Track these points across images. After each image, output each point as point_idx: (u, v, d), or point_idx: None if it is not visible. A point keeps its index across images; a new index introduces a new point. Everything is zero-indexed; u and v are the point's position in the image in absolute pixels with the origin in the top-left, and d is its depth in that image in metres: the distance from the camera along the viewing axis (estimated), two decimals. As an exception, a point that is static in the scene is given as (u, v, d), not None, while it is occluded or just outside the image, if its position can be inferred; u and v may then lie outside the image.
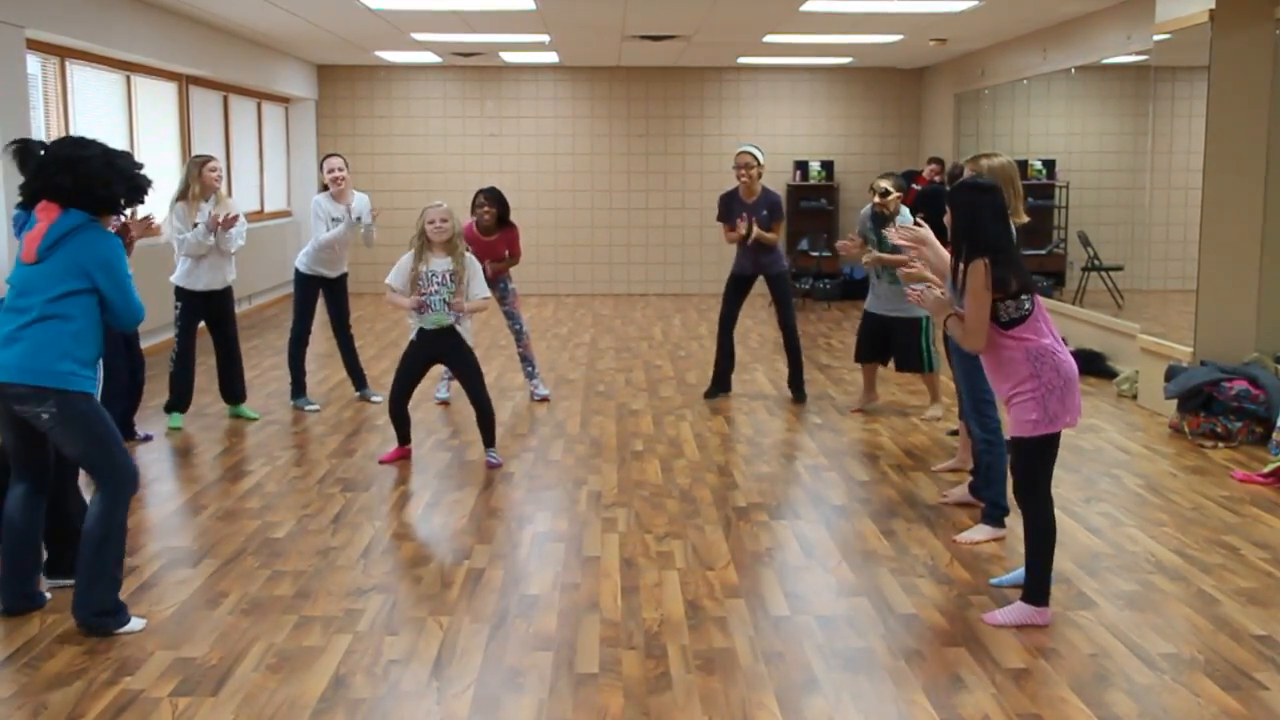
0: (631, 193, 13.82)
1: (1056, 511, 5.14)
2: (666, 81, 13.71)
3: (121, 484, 3.78)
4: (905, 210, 6.86)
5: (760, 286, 7.69)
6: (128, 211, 4.11)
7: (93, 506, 3.78)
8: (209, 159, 6.63)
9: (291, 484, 5.64)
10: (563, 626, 3.89)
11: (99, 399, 5.24)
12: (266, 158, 12.72)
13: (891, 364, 7.15)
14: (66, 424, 3.70)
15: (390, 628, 3.87)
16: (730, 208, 7.52)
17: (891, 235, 4.68)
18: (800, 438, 6.69)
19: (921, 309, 6.55)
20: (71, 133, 8.11)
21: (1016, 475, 3.94)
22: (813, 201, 13.57)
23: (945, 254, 4.37)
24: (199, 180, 6.54)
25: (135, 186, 3.82)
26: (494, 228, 7.30)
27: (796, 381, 7.62)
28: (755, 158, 7.38)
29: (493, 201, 7.27)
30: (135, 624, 3.82)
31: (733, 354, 7.78)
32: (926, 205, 5.83)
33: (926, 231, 4.55)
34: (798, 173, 13.62)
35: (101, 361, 5.60)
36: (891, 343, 7.01)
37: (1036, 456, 3.89)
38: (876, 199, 6.77)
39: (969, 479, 5.30)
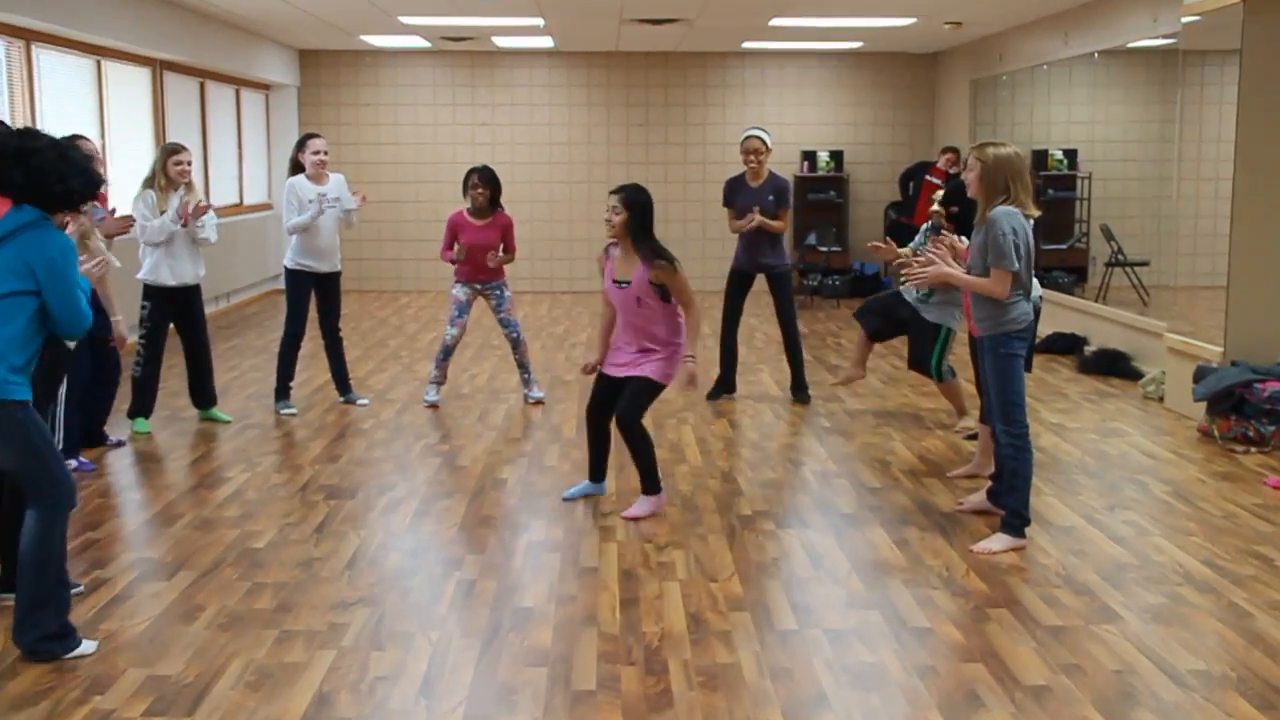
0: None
1: (1079, 520, 5.16)
2: (667, 68, 13.71)
3: (59, 500, 3.69)
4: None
5: (762, 283, 7.70)
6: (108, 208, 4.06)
7: (29, 525, 3.69)
8: (177, 150, 6.58)
9: (272, 491, 5.63)
10: (558, 641, 3.87)
11: (61, 406, 5.23)
12: (246, 148, 12.73)
13: (890, 355, 7.13)
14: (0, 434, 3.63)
15: (376, 643, 3.86)
16: (735, 193, 7.53)
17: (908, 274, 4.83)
18: (808, 442, 6.68)
19: (948, 320, 6.59)
20: (39, 122, 8.11)
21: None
22: (821, 194, 13.57)
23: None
24: (164, 173, 6.51)
25: (91, 180, 3.76)
26: (487, 209, 7.30)
27: (798, 382, 7.62)
28: (763, 142, 7.41)
29: (487, 181, 7.28)
30: (86, 647, 3.76)
31: (736, 354, 7.78)
32: (955, 199, 5.81)
33: (943, 253, 4.79)
34: (805, 164, 13.62)
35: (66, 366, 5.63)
36: (898, 331, 6.98)
37: None
38: (936, 207, 6.57)
39: (987, 485, 5.29)
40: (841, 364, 9.01)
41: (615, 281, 5.27)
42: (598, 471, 5.51)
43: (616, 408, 5.25)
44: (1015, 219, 4.61)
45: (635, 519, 5.19)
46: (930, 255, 4.88)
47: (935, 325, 6.70)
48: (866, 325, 7.13)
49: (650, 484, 5.27)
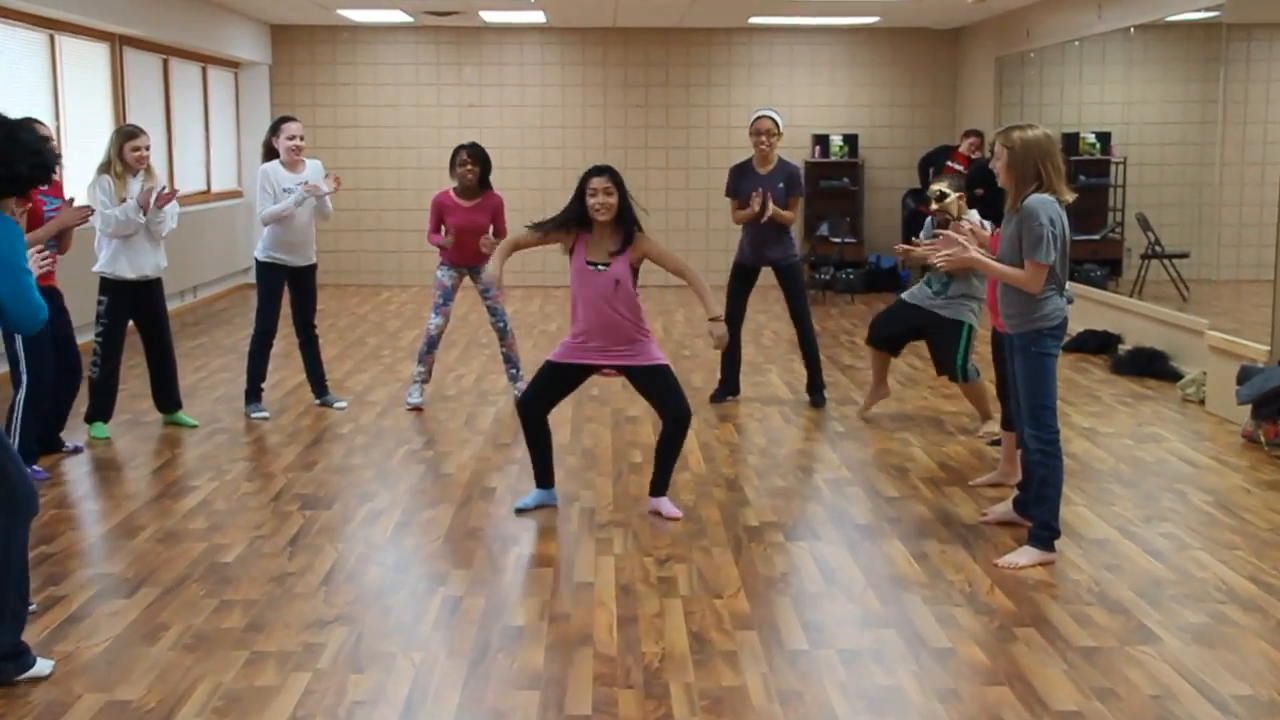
0: (629, 171, 13.67)
1: (1113, 533, 5.16)
2: (668, 45, 13.72)
3: (18, 507, 3.67)
4: (971, 212, 6.84)
5: (770, 276, 7.69)
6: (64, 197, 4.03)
7: None
8: (134, 134, 6.54)
9: (242, 501, 5.62)
10: (551, 662, 3.87)
11: (20, 409, 5.21)
12: (213, 130, 12.73)
13: (910, 365, 7.15)
14: None
15: (355, 664, 3.86)
16: (741, 181, 7.51)
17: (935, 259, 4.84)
18: (820, 448, 6.68)
19: (967, 315, 6.62)
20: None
21: None
22: (834, 181, 13.57)
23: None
24: (120, 158, 6.49)
25: (42, 164, 3.74)
26: (476, 189, 7.30)
27: (814, 383, 7.62)
28: (775, 123, 7.40)
29: (476, 158, 7.28)
30: (42, 667, 3.74)
31: (739, 353, 7.78)
32: (985, 180, 5.81)
33: (965, 250, 4.78)
34: (817, 148, 13.62)
35: (27, 368, 5.63)
36: (915, 336, 7.00)
37: None
38: (934, 207, 6.69)
39: (1013, 495, 5.29)
40: (856, 364, 9.01)
41: (590, 264, 5.26)
42: (546, 475, 5.49)
43: (664, 405, 5.31)
44: (1052, 208, 4.60)
45: (676, 518, 5.36)
46: (954, 238, 4.86)
47: (955, 322, 6.70)
48: (872, 336, 7.14)
49: (666, 484, 5.49)
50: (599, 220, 5.20)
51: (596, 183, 5.19)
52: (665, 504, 5.45)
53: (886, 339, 7.11)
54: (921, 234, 7.08)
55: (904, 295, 7.10)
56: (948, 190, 6.69)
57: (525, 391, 5.44)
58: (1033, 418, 4.78)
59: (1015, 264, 4.69)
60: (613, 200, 5.18)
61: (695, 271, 5.38)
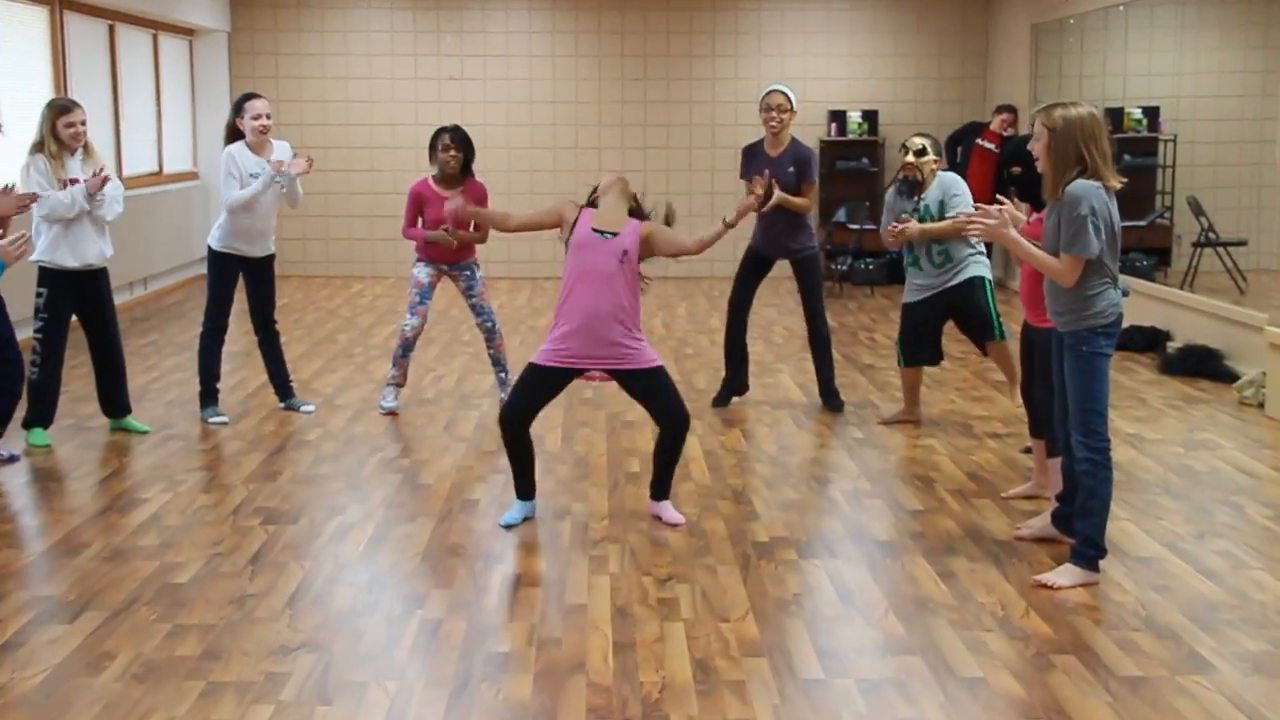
0: (626, 150, 13.83)
1: (1161, 550, 5.16)
2: (669, 11, 13.73)
3: None
4: (962, 187, 6.91)
5: (783, 268, 7.69)
6: None
7: None
8: (67, 108, 6.54)
9: (198, 515, 5.62)
10: (540, 692, 3.87)
11: None
12: (166, 105, 12.73)
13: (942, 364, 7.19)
14: None
15: (323, 696, 3.86)
16: (751, 163, 7.52)
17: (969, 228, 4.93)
18: (836, 456, 6.69)
19: (977, 269, 6.71)
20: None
21: None
22: (852, 162, 13.59)
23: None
24: (54, 135, 6.48)
25: None
26: (458, 178, 7.31)
27: (827, 385, 7.63)
28: (787, 98, 7.41)
29: (460, 143, 7.28)
30: None
31: (745, 349, 7.78)
32: (1023, 158, 5.81)
33: (1004, 217, 4.81)
34: (833, 126, 13.63)
35: None
36: (944, 323, 7.05)
37: None
38: (910, 157, 6.84)
39: (1051, 507, 5.29)
40: (876, 363, 9.01)
41: (596, 230, 5.28)
42: (530, 487, 5.51)
43: (661, 409, 5.36)
44: (1096, 196, 4.60)
45: (679, 525, 5.44)
46: (991, 213, 4.87)
47: (969, 282, 6.80)
48: (907, 359, 7.17)
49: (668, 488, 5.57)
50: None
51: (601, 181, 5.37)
52: (667, 509, 5.48)
53: (921, 353, 7.14)
54: (887, 206, 7.13)
55: (904, 302, 7.15)
56: (929, 149, 6.82)
57: (507, 402, 5.43)
58: (1082, 423, 4.78)
59: (1056, 254, 4.71)
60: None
61: (698, 238, 5.44)
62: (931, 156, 6.86)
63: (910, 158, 6.87)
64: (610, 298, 5.23)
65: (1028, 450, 6.40)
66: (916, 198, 6.90)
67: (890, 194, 7.12)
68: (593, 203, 5.44)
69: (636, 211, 5.42)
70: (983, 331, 7.03)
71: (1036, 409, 5.60)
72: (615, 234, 5.26)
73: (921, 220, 6.83)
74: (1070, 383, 4.82)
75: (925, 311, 7.02)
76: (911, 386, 7.27)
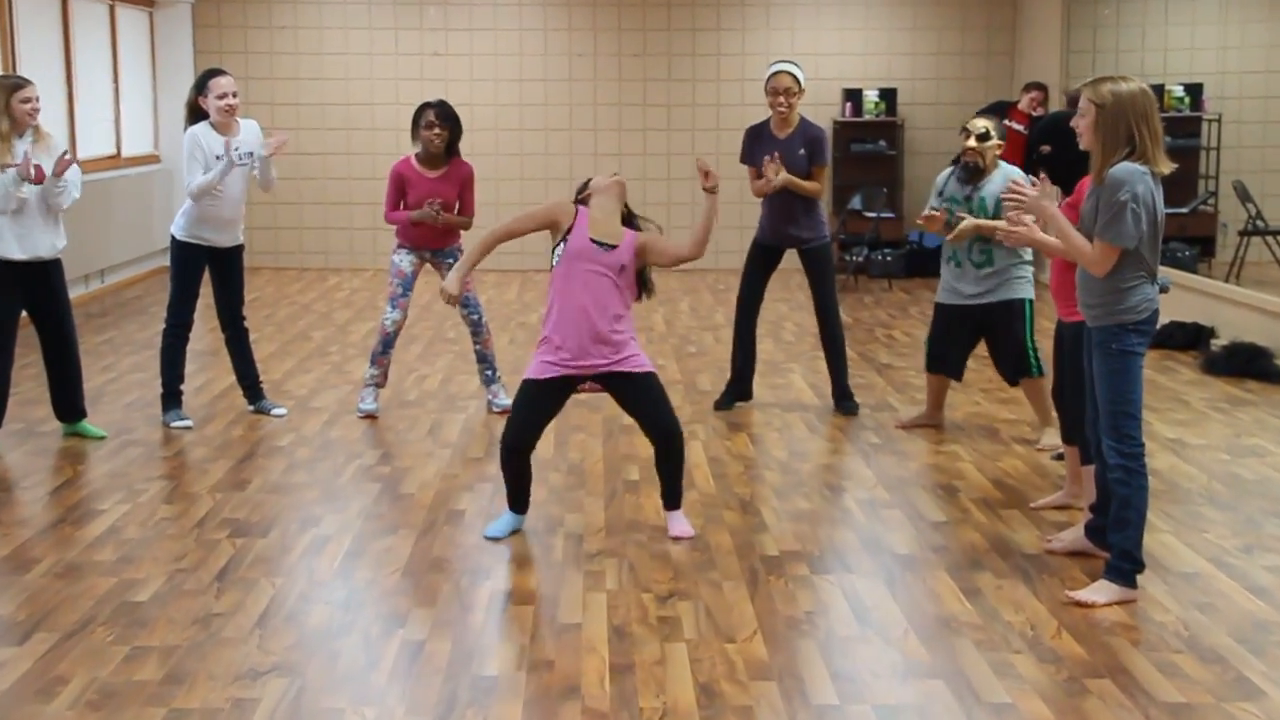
0: (623, 132, 13.83)
1: (1205, 565, 5.15)
2: (671, -20, 13.74)
3: None
4: (1003, 164, 6.85)
5: (793, 259, 7.69)
6: None
7: None
8: (20, 85, 6.55)
9: (159, 528, 5.62)
10: (531, 719, 3.86)
11: None
12: (125, 83, 12.72)
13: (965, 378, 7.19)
14: None
15: (294, 723, 3.85)
16: (756, 146, 7.51)
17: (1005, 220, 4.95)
18: (851, 463, 6.68)
19: (1022, 288, 6.65)
20: None
21: None
22: (868, 144, 13.58)
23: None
24: (7, 113, 6.48)
25: None
26: (442, 158, 7.30)
27: (840, 387, 7.63)
28: (795, 79, 7.39)
29: (445, 120, 7.27)
30: None
31: (754, 349, 7.78)
32: (1054, 136, 5.78)
33: (1047, 197, 4.76)
34: (848, 106, 13.63)
35: None
36: (976, 341, 7.01)
37: None
38: (971, 142, 6.71)
39: (1084, 518, 5.29)
40: (894, 363, 9.01)
41: (595, 242, 5.32)
42: (524, 503, 5.55)
43: (651, 421, 5.41)
44: (1142, 180, 4.57)
45: (686, 538, 5.47)
46: (1023, 213, 4.87)
47: (1010, 304, 6.71)
48: (932, 363, 7.14)
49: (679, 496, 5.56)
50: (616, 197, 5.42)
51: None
52: (675, 521, 5.50)
53: (947, 361, 7.10)
54: (936, 191, 7.01)
55: (937, 300, 7.08)
56: (993, 132, 6.72)
57: (508, 427, 5.45)
58: (1113, 426, 4.77)
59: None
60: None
61: (690, 238, 5.51)
62: (995, 141, 6.75)
63: (972, 142, 6.73)
64: (604, 307, 5.31)
65: (1059, 457, 6.39)
66: (972, 187, 6.81)
67: (943, 176, 7.00)
68: (583, 200, 5.48)
69: (628, 220, 5.49)
70: (1016, 365, 6.88)
71: (1068, 413, 5.59)
72: (614, 246, 5.33)
73: (973, 214, 6.73)
74: (1100, 383, 4.81)
75: (957, 319, 6.95)
76: (936, 390, 7.25)
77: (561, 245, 5.37)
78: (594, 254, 5.31)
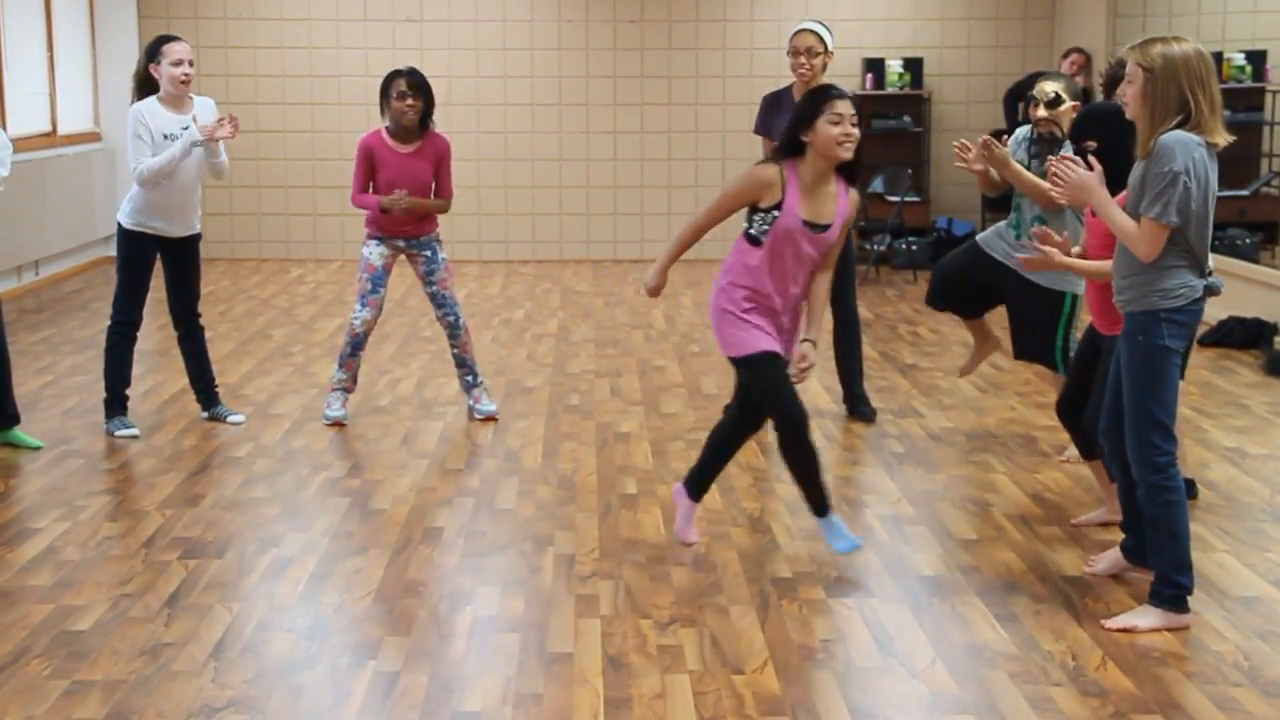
0: (619, 108, 13.84)
1: (1267, 589, 5.16)
2: (671, -62, 13.75)
3: None
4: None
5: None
6: None
7: None
8: None
9: (102, 549, 5.63)
10: (515, 761, 3.89)
11: None
12: (60, 53, 12.71)
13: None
14: None
15: (253, 764, 3.87)
16: (774, 114, 7.46)
17: (1050, 167, 4.80)
18: (872, 475, 6.70)
19: (1071, 281, 6.60)
20: None
21: None
22: (891, 120, 13.58)
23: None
24: None
25: None
26: (415, 131, 7.31)
27: (854, 389, 7.63)
28: (822, 40, 7.33)
29: (417, 89, 7.25)
30: None
31: None
32: (1095, 128, 5.74)
33: (1093, 175, 4.69)
34: (869, 77, 13.64)
35: None
36: (996, 304, 6.92)
37: None
38: (1041, 111, 6.57)
39: (1122, 538, 5.29)
40: (919, 363, 9.02)
41: (808, 224, 5.21)
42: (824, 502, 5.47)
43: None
44: (1194, 151, 4.53)
45: (689, 544, 5.59)
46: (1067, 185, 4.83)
47: (1050, 292, 6.59)
48: (933, 296, 7.09)
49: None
50: (841, 155, 5.20)
51: (838, 106, 5.20)
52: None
53: (951, 298, 7.06)
54: (1011, 146, 6.76)
55: (979, 238, 6.95)
56: (1064, 94, 6.56)
57: (792, 408, 5.25)
58: (1136, 432, 4.71)
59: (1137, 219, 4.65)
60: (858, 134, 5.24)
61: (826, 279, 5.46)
62: (1069, 104, 6.56)
63: (1042, 111, 6.59)
64: (801, 283, 5.33)
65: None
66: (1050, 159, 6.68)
67: (1016, 140, 6.82)
68: (782, 152, 5.32)
69: (851, 175, 5.41)
70: (1039, 351, 6.83)
71: (1090, 426, 5.51)
72: (827, 227, 5.26)
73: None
74: (1126, 380, 4.75)
75: (984, 267, 6.82)
76: (973, 324, 7.21)
77: (775, 217, 5.22)
78: (805, 234, 5.23)
